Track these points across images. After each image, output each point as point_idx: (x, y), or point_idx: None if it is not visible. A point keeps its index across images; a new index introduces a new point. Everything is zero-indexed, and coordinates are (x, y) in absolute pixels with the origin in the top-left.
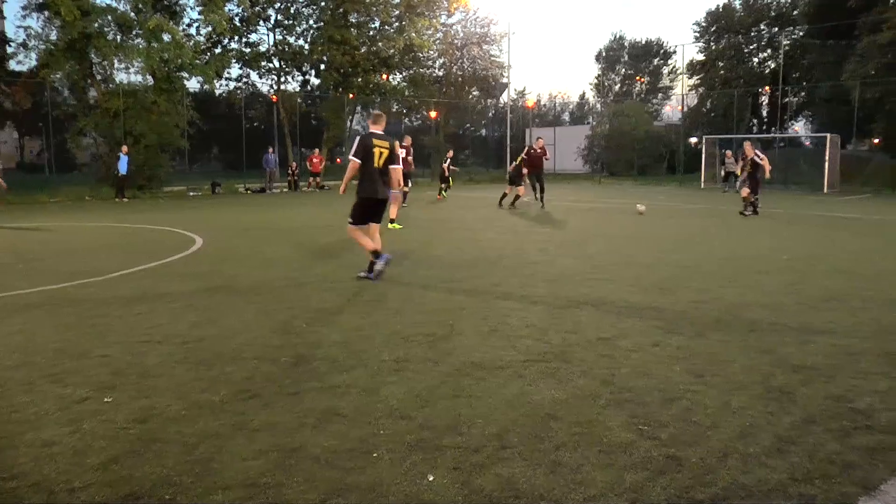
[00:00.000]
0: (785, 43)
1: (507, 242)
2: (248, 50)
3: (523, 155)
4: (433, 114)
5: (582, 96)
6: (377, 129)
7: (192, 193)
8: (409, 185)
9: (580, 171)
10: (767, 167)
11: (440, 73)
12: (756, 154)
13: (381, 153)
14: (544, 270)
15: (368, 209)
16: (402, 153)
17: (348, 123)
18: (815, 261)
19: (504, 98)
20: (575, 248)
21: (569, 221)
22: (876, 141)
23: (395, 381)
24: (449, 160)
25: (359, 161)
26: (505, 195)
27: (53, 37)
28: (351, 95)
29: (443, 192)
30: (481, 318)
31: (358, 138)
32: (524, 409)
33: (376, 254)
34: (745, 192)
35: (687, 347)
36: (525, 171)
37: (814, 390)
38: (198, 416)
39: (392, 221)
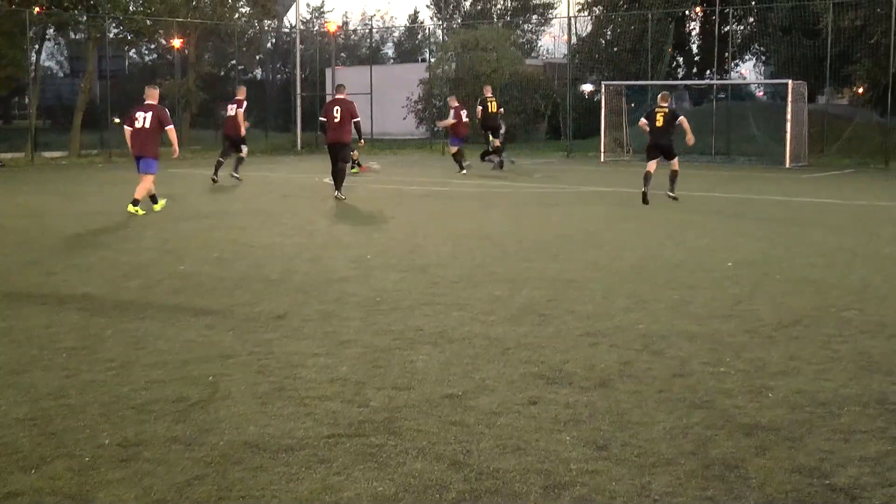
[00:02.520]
0: None
1: (300, 249)
2: None
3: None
4: (177, 43)
5: (414, 18)
6: None
7: None
8: (245, 150)
9: (412, 135)
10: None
11: None
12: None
13: None
14: (358, 291)
15: None
16: (232, 110)
17: (33, 57)
18: (771, 267)
19: (290, 19)
20: (404, 256)
21: (394, 215)
22: (859, 91)
23: (121, 480)
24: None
25: None
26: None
27: None
28: (37, 10)
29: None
30: (259, 369)
31: None
32: None
33: None
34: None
35: (581, 404)
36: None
37: (773, 461)
38: None
39: (154, 202)
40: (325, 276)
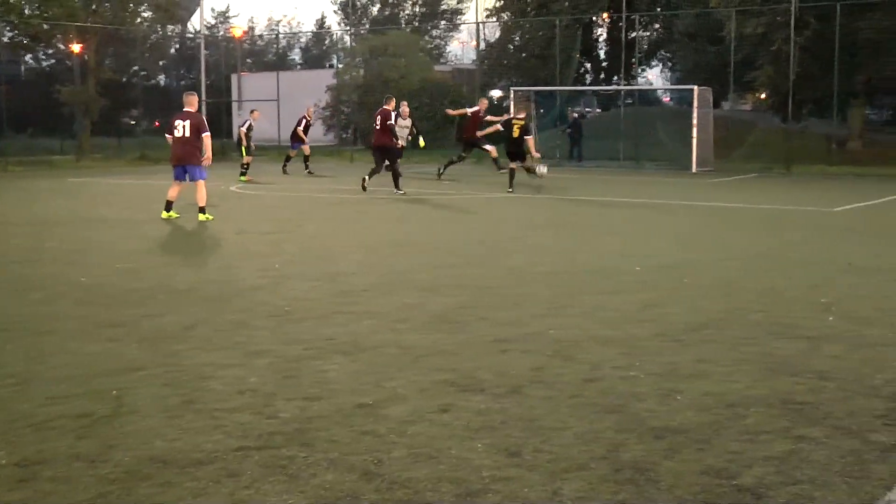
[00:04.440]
0: None
1: (208, 259)
2: None
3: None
4: (76, 48)
5: (321, 24)
6: None
7: None
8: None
9: (319, 141)
10: None
11: None
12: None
13: None
14: (268, 301)
15: None
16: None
17: None
18: (682, 271)
19: (195, 24)
20: (314, 265)
21: (304, 223)
22: (762, 96)
23: (20, 501)
24: (248, 123)
25: None
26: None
27: None
28: None
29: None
30: (166, 382)
31: None
32: None
33: None
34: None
35: (493, 411)
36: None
37: (683, 463)
38: None
39: (202, 211)
40: (235, 286)
